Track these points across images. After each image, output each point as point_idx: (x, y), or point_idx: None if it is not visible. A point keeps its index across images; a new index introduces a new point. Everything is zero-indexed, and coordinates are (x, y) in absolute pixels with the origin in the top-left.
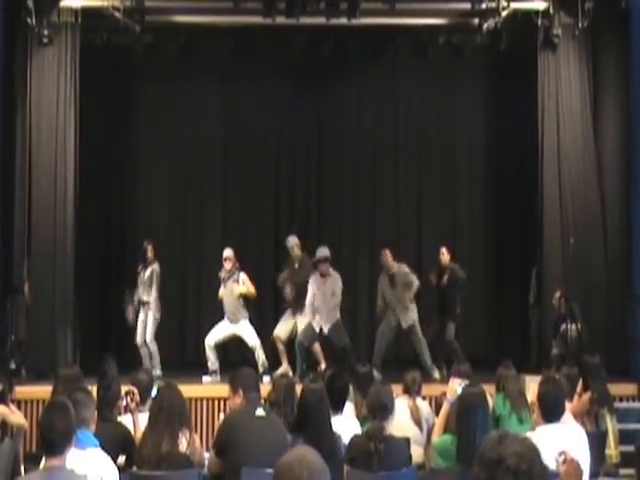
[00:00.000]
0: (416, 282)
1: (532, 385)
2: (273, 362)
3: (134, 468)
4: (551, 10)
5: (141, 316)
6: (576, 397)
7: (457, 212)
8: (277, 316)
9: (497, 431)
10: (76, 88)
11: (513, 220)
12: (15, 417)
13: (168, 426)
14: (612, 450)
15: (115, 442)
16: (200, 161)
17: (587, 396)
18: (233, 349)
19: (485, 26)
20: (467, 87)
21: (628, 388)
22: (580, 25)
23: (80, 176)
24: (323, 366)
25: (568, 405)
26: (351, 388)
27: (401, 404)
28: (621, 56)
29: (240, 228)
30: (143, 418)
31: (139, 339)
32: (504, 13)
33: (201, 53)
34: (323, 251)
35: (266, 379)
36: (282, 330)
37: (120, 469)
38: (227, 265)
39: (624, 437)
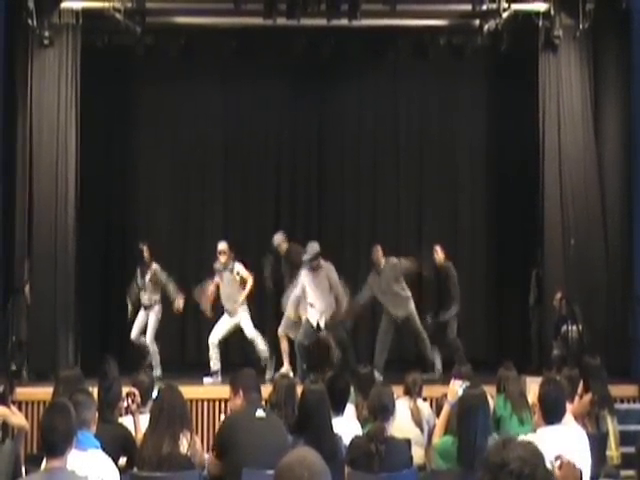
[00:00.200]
0: (408, 263)
1: (533, 386)
2: (276, 361)
3: (135, 469)
4: (552, 11)
5: (141, 314)
6: (577, 398)
7: (458, 213)
8: (278, 318)
9: (501, 436)
10: (77, 89)
11: (514, 221)
12: (16, 418)
13: (169, 427)
14: (613, 451)
15: (116, 443)
16: (201, 162)
17: (588, 397)
18: (235, 350)
19: (486, 27)
20: (468, 88)
21: (629, 389)
22: (581, 26)
23: (81, 177)
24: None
25: (569, 406)
26: (352, 389)
27: (402, 405)
28: (622, 57)
29: (241, 229)
30: (144, 419)
31: (133, 335)
32: (505, 14)
33: (202, 54)
34: (313, 247)
35: (267, 376)
36: (287, 327)
37: (121, 470)
38: (222, 258)
39: (625, 438)
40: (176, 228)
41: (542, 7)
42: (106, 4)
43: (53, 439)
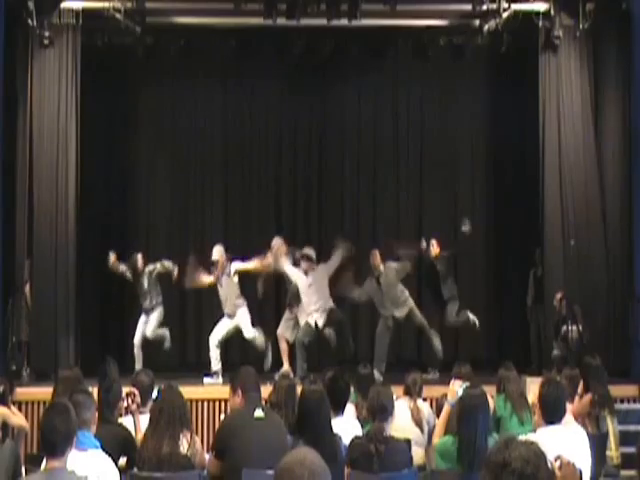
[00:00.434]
0: (404, 265)
1: (533, 386)
2: (276, 361)
3: (135, 469)
4: (552, 11)
5: (142, 318)
6: (577, 398)
7: (458, 213)
8: (278, 317)
9: (503, 435)
10: (77, 89)
11: (514, 221)
12: (16, 418)
13: (169, 428)
14: (613, 452)
15: (116, 443)
16: (201, 162)
17: (588, 397)
18: (235, 350)
19: (486, 27)
20: (468, 88)
21: (629, 389)
22: (581, 26)
23: (81, 177)
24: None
25: (569, 406)
26: (352, 389)
27: (402, 405)
28: (622, 57)
29: (241, 228)
30: (144, 419)
31: (137, 339)
32: (505, 14)
33: (202, 54)
34: (309, 250)
35: (266, 366)
36: (286, 328)
37: (121, 470)
38: (219, 269)
39: (625, 438)
40: (176, 228)
41: (542, 7)
42: (106, 4)
43: (53, 439)
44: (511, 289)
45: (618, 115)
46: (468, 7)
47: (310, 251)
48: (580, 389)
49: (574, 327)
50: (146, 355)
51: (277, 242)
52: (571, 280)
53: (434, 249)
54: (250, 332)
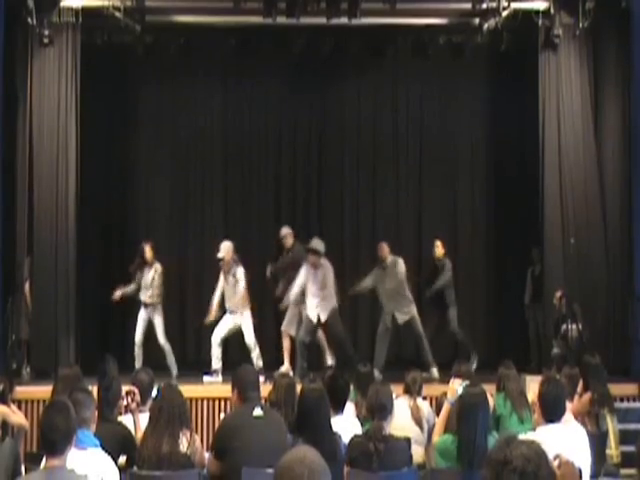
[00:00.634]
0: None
1: (533, 385)
2: (275, 360)
3: (134, 468)
4: (552, 10)
5: (142, 315)
6: (577, 397)
7: (457, 211)
8: (277, 314)
9: (503, 434)
10: (77, 88)
11: (513, 219)
12: (16, 417)
13: (168, 426)
14: (613, 450)
15: (115, 442)
16: (201, 160)
17: (588, 396)
18: (234, 349)
19: (486, 26)
20: (467, 87)
21: (629, 388)
22: (581, 25)
23: (81, 175)
24: (328, 357)
25: (569, 405)
26: (352, 388)
27: (402, 404)
28: (622, 56)
29: (241, 227)
30: (144, 418)
31: (138, 338)
32: (505, 13)
33: (201, 53)
34: (316, 243)
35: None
36: (290, 324)
37: (120, 469)
38: (225, 265)
39: (625, 437)
40: (176, 226)
41: (542, 6)
42: (106, 3)
43: (53, 438)
44: (511, 288)
45: (618, 113)
46: (468, 6)
47: (318, 244)
48: (580, 388)
49: (574, 326)
50: (146, 354)
51: (286, 231)
52: (571, 279)
53: (438, 250)
54: (251, 339)
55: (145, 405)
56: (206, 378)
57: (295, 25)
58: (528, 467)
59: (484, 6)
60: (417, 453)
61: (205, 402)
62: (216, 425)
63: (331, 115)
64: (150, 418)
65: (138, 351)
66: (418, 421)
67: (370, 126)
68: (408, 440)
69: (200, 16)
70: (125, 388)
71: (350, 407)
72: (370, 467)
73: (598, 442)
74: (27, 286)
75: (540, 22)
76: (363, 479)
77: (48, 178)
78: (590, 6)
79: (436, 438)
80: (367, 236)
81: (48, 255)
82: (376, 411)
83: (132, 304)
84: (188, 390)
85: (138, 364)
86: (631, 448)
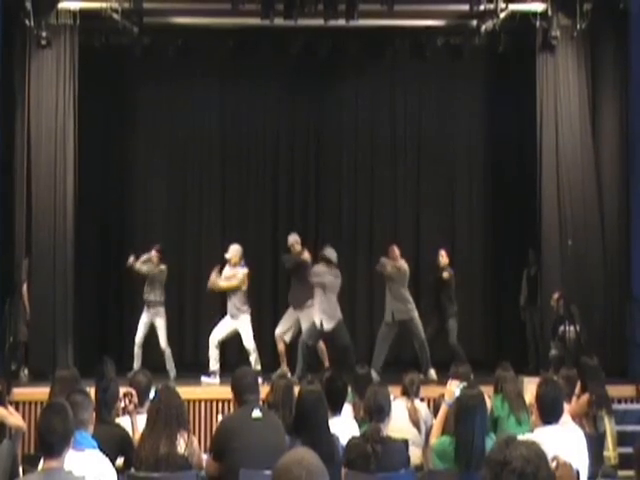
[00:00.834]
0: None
1: (530, 387)
2: (274, 362)
3: (132, 470)
4: (549, 12)
5: (144, 317)
6: (574, 399)
7: (455, 213)
8: (275, 315)
9: (502, 435)
10: (75, 89)
11: (511, 221)
12: (13, 419)
13: (166, 428)
14: (610, 452)
15: (113, 444)
16: (198, 162)
17: (585, 398)
18: (232, 351)
19: (483, 28)
20: (465, 88)
21: (626, 390)
22: (578, 27)
23: (79, 176)
24: (326, 365)
25: (566, 407)
26: (350, 389)
27: (399, 406)
28: (619, 57)
29: (238, 228)
30: (141, 420)
31: (138, 339)
32: (502, 15)
33: (199, 54)
34: (329, 252)
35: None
36: (285, 331)
37: (118, 471)
38: (232, 268)
39: (622, 439)
40: (174, 227)
41: (539, 7)
42: (103, 4)
43: (50, 439)
44: (509, 289)
45: (615, 115)
46: (466, 7)
47: (331, 253)
48: (578, 389)
49: (571, 327)
50: (144, 355)
51: (293, 238)
52: (568, 280)
53: (443, 259)
54: (249, 343)
55: (143, 407)
56: (204, 379)
57: (293, 27)
58: (527, 468)
59: (482, 8)
60: (415, 455)
61: (203, 404)
62: (214, 427)
63: (329, 116)
64: (148, 420)
65: (137, 351)
66: (416, 423)
67: (368, 127)
68: (406, 442)
69: (198, 18)
70: (123, 390)
71: (348, 409)
72: (368, 469)
73: (596, 443)
74: (25, 287)
75: (538, 24)
76: None
77: (46, 179)
78: (588, 8)
79: (434, 440)
80: (365, 237)
81: (46, 256)
82: (374, 413)
83: (130, 305)
84: (186, 391)
85: (137, 364)
86: (629, 449)
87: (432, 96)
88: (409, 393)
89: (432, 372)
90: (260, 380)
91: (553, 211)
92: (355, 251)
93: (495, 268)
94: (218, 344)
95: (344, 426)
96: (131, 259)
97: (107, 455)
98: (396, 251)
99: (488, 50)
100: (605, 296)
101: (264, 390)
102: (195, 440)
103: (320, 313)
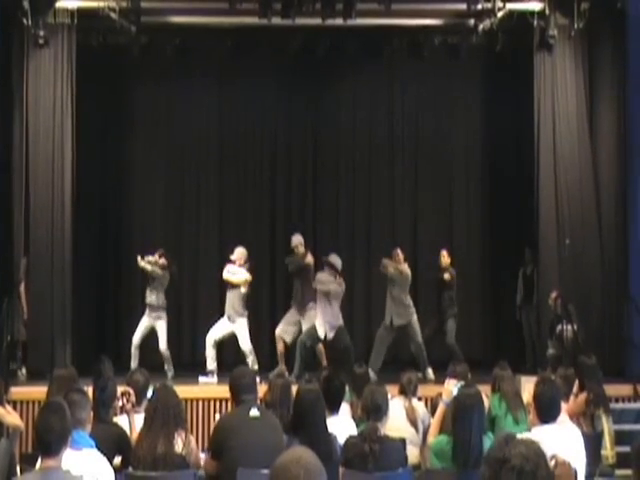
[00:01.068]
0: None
1: (528, 386)
2: (271, 361)
3: (130, 469)
4: (547, 11)
5: (144, 320)
6: (572, 398)
7: (453, 213)
8: (273, 315)
9: (502, 433)
10: (72, 89)
11: (509, 220)
12: (11, 418)
13: (164, 427)
14: (608, 451)
15: (111, 443)
16: (196, 161)
17: (583, 397)
18: (230, 350)
19: (481, 27)
20: (463, 88)
21: (624, 389)
22: (576, 26)
23: (77, 176)
24: (324, 365)
25: (564, 406)
26: (347, 389)
27: (397, 405)
28: (617, 57)
29: (236, 229)
30: (139, 419)
31: (136, 340)
32: (500, 14)
33: (197, 53)
34: (334, 258)
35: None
36: (286, 331)
37: (116, 470)
38: (237, 268)
39: (620, 438)
40: (171, 227)
41: (537, 6)
42: (101, 3)
43: (48, 438)
44: (506, 288)
45: (613, 114)
46: (463, 6)
47: (336, 259)
48: (575, 388)
49: (569, 326)
50: (142, 354)
51: (297, 239)
52: (566, 279)
53: (444, 259)
54: (246, 345)
55: (140, 406)
56: (201, 379)
57: (290, 26)
58: (526, 466)
59: (479, 7)
60: (412, 454)
61: (200, 403)
62: (211, 426)
63: (327, 116)
64: (145, 419)
65: (135, 351)
66: (413, 422)
67: (366, 127)
68: (403, 441)
69: (195, 17)
70: (120, 389)
71: (345, 408)
72: (365, 468)
73: (593, 443)
74: (23, 286)
75: (535, 23)
76: None
77: (44, 178)
78: (585, 7)
79: (431, 439)
80: (362, 237)
81: (44, 255)
82: (371, 412)
83: (128, 304)
84: (183, 391)
85: (134, 364)
86: (626, 449)
87: (430, 95)
88: (407, 392)
89: (430, 371)
90: (258, 379)
91: (551, 210)
92: (353, 251)
93: (493, 267)
94: (215, 344)
95: (342, 425)
96: (138, 257)
97: (105, 454)
98: (400, 255)
99: (486, 49)
100: (602, 295)
101: (262, 389)
102: (193, 439)
103: (323, 323)
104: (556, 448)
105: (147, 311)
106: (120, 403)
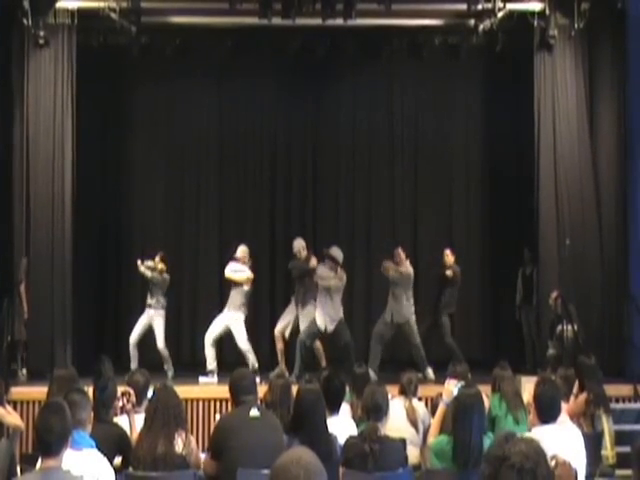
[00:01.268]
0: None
1: (528, 386)
2: (271, 361)
3: (130, 469)
4: (547, 11)
5: (143, 318)
6: (572, 398)
7: (453, 213)
8: (273, 315)
9: (505, 431)
10: (72, 89)
11: (509, 220)
12: (11, 418)
13: (164, 427)
14: (608, 451)
15: (111, 443)
16: (196, 161)
17: (583, 397)
18: (230, 350)
19: (481, 27)
20: (463, 88)
21: (624, 389)
22: (576, 26)
23: (77, 176)
24: (323, 364)
25: (564, 406)
26: (347, 389)
27: (397, 405)
28: (617, 57)
29: (236, 229)
30: (139, 419)
31: (133, 339)
32: (500, 14)
33: (197, 54)
34: (335, 251)
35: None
36: (284, 325)
37: (116, 470)
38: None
39: (620, 438)
40: (171, 227)
41: (537, 7)
42: (101, 4)
43: (48, 439)
44: (506, 288)
45: (613, 114)
46: (463, 7)
47: (337, 252)
48: (575, 388)
49: (569, 326)
50: (142, 354)
51: (299, 244)
52: (566, 279)
53: (448, 258)
54: (243, 344)
55: (141, 406)
56: (202, 379)
57: (290, 26)
58: (526, 464)
59: (479, 7)
60: (412, 454)
61: (201, 403)
62: (212, 426)
63: (326, 116)
64: (145, 419)
65: (133, 351)
66: (413, 422)
67: (365, 127)
68: (403, 441)
69: (196, 17)
70: (121, 389)
71: (345, 408)
72: (365, 468)
73: (593, 443)
74: (23, 287)
75: (535, 23)
76: None
77: (44, 179)
78: (585, 7)
79: (431, 439)
80: (362, 237)
81: (44, 255)
82: (371, 412)
83: (128, 304)
84: (184, 391)
85: (134, 364)
86: (626, 449)
87: (430, 95)
88: (407, 392)
89: (430, 371)
90: (258, 380)
91: (551, 210)
92: (353, 251)
93: (493, 267)
94: (214, 343)
95: (342, 425)
96: (138, 262)
97: (105, 454)
98: (401, 254)
99: (486, 49)
100: (603, 295)
101: (262, 390)
102: (193, 439)
103: (323, 315)
104: (556, 448)
105: (146, 309)
106: (120, 403)
